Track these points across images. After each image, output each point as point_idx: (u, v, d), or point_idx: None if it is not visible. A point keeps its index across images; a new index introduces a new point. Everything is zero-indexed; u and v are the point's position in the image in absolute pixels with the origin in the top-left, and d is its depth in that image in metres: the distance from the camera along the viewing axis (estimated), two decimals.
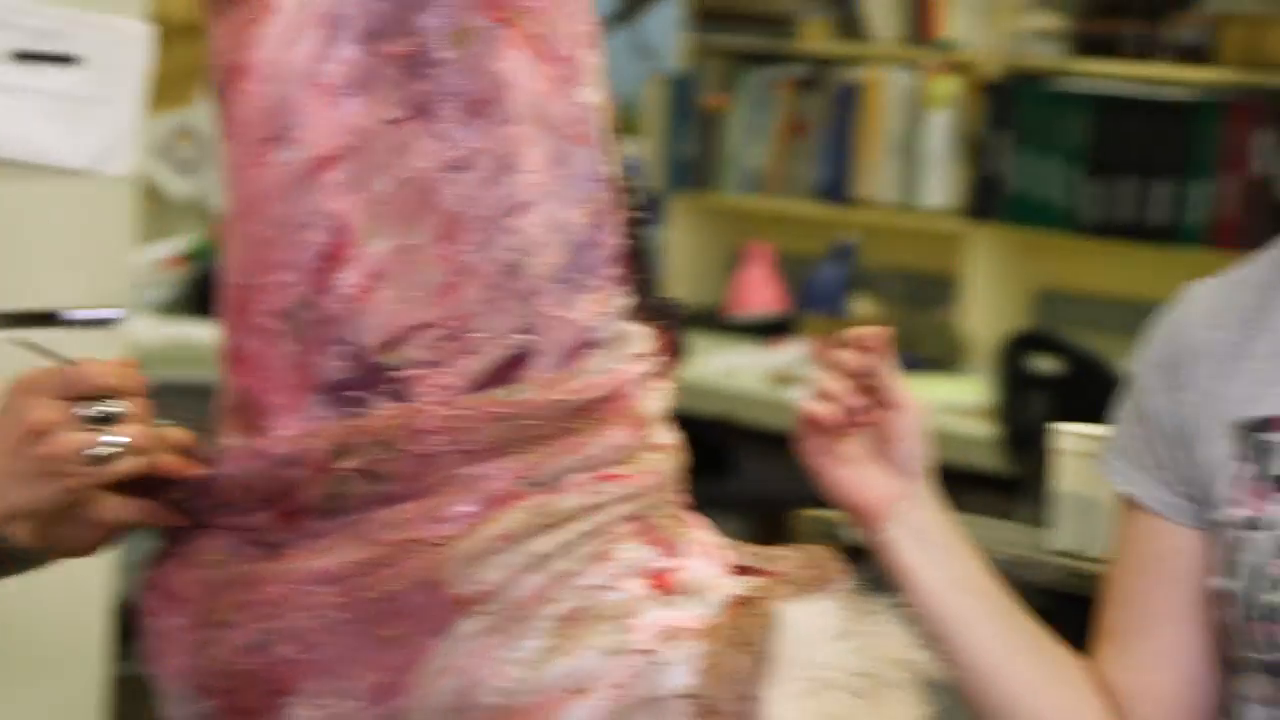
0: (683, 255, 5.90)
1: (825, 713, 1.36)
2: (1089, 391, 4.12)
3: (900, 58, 5.46)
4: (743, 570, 1.45)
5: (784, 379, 4.97)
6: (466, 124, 1.40)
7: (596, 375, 1.42)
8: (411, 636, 1.38)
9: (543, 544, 1.38)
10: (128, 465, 1.38)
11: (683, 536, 1.44)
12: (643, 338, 1.43)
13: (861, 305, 5.42)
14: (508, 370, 1.40)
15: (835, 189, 5.54)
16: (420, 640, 1.38)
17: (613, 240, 1.44)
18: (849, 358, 1.50)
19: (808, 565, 1.45)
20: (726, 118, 5.76)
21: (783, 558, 1.47)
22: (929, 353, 5.26)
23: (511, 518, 1.37)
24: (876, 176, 5.48)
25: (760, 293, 5.61)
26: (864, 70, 5.54)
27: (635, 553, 1.40)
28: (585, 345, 1.42)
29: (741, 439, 4.94)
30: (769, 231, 5.82)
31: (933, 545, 1.58)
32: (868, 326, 1.51)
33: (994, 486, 4.52)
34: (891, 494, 1.55)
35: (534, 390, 1.39)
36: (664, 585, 1.40)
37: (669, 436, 1.44)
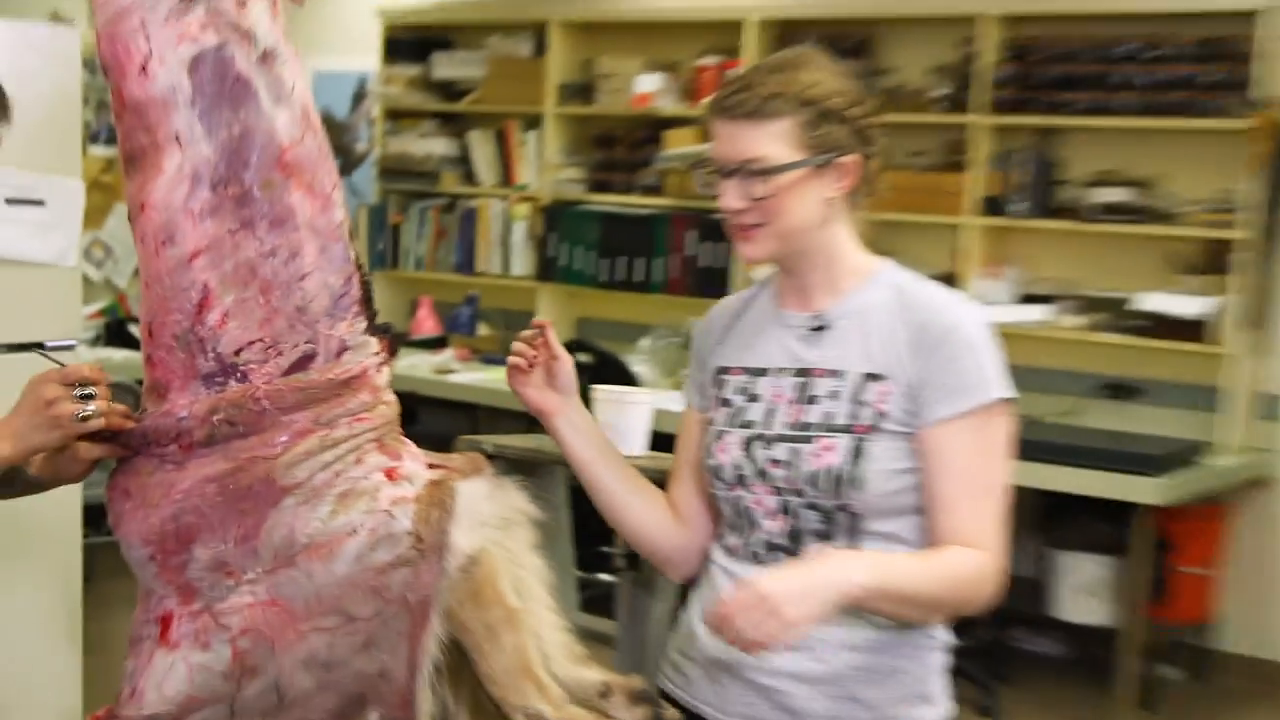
0: (382, 304, 6.97)
1: (483, 537, 1.88)
2: (606, 373, 5.29)
3: (497, 194, 6.85)
4: (434, 466, 1.96)
5: (441, 370, 6.33)
6: (272, 232, 1.89)
7: (350, 365, 1.92)
8: (258, 509, 1.85)
9: (327, 456, 1.87)
10: (98, 422, 1.88)
11: (403, 449, 1.95)
12: (373, 345, 1.95)
13: (483, 330, 6.84)
14: (302, 364, 1.90)
15: (466, 266, 6.94)
16: (264, 510, 1.86)
17: (356, 292, 1.94)
18: (529, 334, 2.11)
19: (470, 463, 1.98)
20: (403, 228, 7.17)
21: (455, 460, 1.99)
22: None
23: (308, 443, 1.87)
24: (488, 258, 6.88)
25: (427, 323, 6.97)
26: (477, 201, 6.90)
27: (377, 459, 1.91)
28: (343, 349, 1.92)
29: (420, 402, 5.79)
30: (430, 290, 7.14)
31: (582, 432, 2.17)
32: (539, 318, 2.15)
33: None
34: (558, 404, 2.15)
35: (316, 374, 1.90)
36: (393, 476, 1.90)
37: (391, 398, 1.97)
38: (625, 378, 5.41)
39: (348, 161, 7.71)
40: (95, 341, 6.39)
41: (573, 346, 5.39)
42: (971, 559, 2.00)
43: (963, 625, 5.09)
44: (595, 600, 4.91)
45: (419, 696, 1.88)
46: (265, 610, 1.88)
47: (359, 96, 7.66)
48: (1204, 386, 5.42)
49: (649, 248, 6.36)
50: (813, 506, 2.02)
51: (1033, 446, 4.77)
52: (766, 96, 2.02)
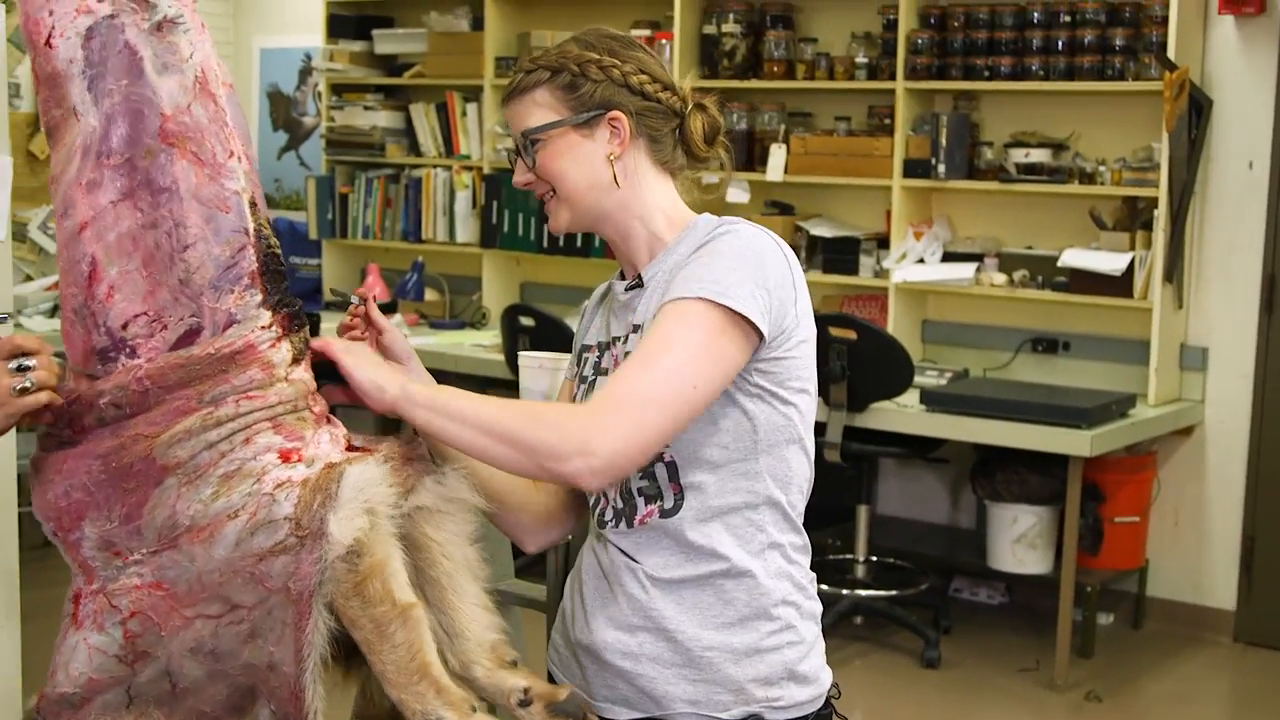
0: (331, 271, 7.40)
1: (357, 526, 1.79)
2: (548, 336, 5.51)
3: (441, 163, 6.99)
4: (354, 449, 1.91)
5: None
6: (153, 202, 1.87)
7: (234, 339, 1.87)
8: (141, 488, 1.83)
9: (210, 435, 1.83)
10: (40, 396, 1.87)
11: (308, 430, 1.88)
12: (264, 318, 1.89)
13: (430, 295, 7.02)
14: (188, 338, 1.87)
15: (413, 234, 7.08)
16: (146, 490, 1.84)
17: (249, 264, 1.89)
18: (352, 308, 2.12)
19: (402, 449, 1.90)
20: (351, 198, 7.28)
21: (385, 444, 1.92)
22: (468, 318, 6.94)
23: (189, 421, 1.84)
24: (433, 226, 7.01)
25: (376, 290, 7.00)
26: (422, 171, 7.02)
27: (269, 439, 1.85)
28: (230, 323, 1.87)
29: None
30: (379, 257, 7.33)
31: (423, 373, 2.13)
32: (360, 290, 2.33)
33: (503, 384, 5.87)
34: (407, 353, 2.14)
35: (199, 349, 1.86)
36: (289, 457, 1.85)
37: (300, 375, 1.89)
38: (567, 341, 5.44)
39: (295, 135, 7.82)
40: (53, 313, 6.41)
41: (515, 310, 5.81)
42: (564, 410, 1.96)
43: (905, 579, 5.45)
44: (531, 565, 5.26)
45: (307, 691, 1.82)
46: (151, 593, 1.85)
47: (305, 72, 7.79)
48: (1129, 340, 5.60)
49: None
50: None
51: (966, 401, 5.11)
52: (525, 73, 2.08)
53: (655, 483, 2.02)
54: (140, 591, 1.84)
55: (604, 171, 2.07)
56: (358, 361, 1.95)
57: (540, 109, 2.06)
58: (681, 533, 2.02)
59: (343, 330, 2.13)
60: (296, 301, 1.95)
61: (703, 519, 2.02)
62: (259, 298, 1.90)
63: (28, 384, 1.86)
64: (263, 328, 1.89)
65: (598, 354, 2.14)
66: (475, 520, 1.93)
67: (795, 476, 2.07)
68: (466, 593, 1.87)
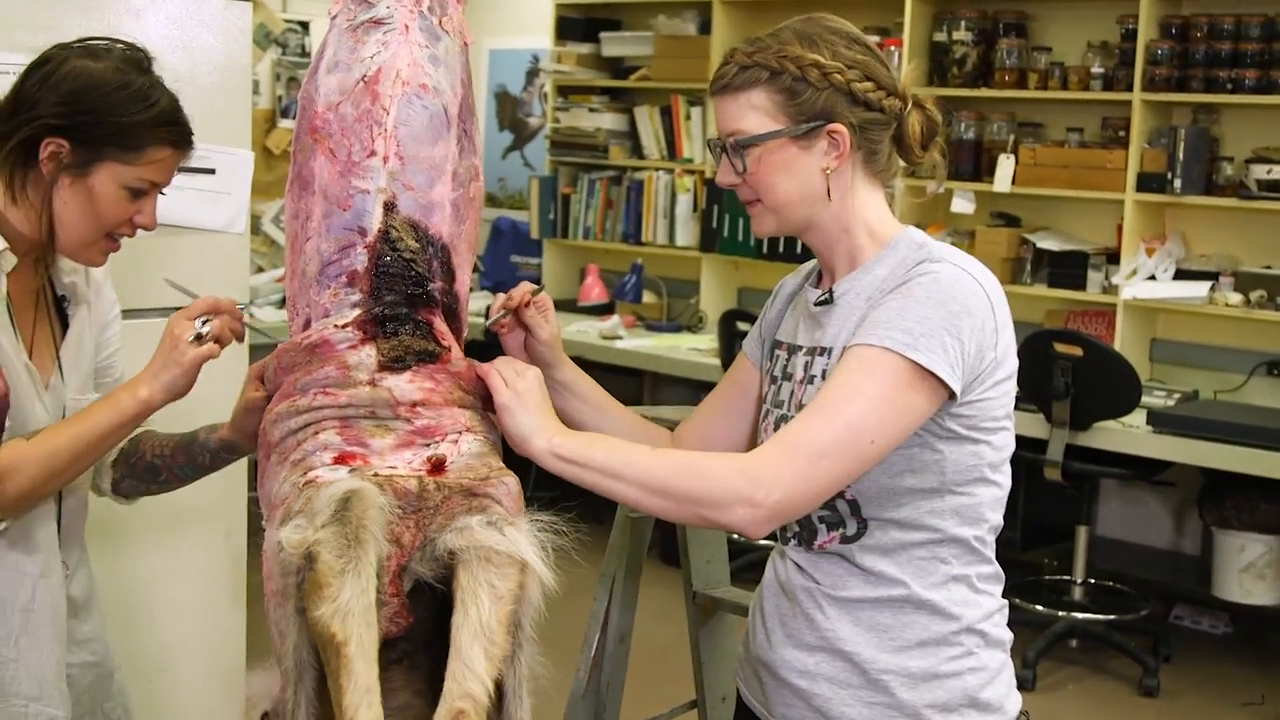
0: (552, 271, 7.42)
1: (299, 537, 1.72)
2: None
3: (663, 166, 7.03)
4: (437, 469, 1.82)
5: (608, 336, 6.54)
6: (300, 194, 1.98)
7: (313, 333, 1.91)
8: (264, 461, 1.95)
9: (292, 422, 1.88)
10: (210, 346, 2.05)
11: (382, 440, 1.84)
12: (348, 317, 1.88)
13: (648, 297, 7.07)
14: (306, 326, 1.94)
15: (633, 236, 7.12)
16: (264, 463, 1.96)
17: (354, 264, 1.89)
18: (506, 301, 2.12)
19: (473, 479, 1.82)
20: (573, 199, 7.35)
21: (464, 469, 1.84)
22: (685, 321, 6.94)
23: (282, 405, 1.91)
24: (653, 229, 7.05)
25: (594, 290, 7.20)
26: (644, 173, 7.07)
27: (329, 438, 1.84)
28: (324, 314, 1.91)
29: (586, 366, 5.28)
30: (598, 258, 7.39)
31: (575, 374, 2.20)
32: (525, 285, 2.12)
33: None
34: (549, 360, 2.14)
35: (299, 338, 1.93)
36: (341, 460, 1.82)
37: (392, 383, 1.85)
38: None
39: (521, 135, 7.90)
40: (281, 305, 6.34)
41: (733, 315, 5.84)
42: (724, 460, 1.88)
43: (1124, 603, 5.27)
44: (751, 566, 5.23)
45: (288, 692, 1.78)
46: (264, 560, 1.85)
47: (532, 73, 7.86)
48: None
49: None
50: None
51: (1196, 423, 4.96)
52: (740, 68, 1.96)
53: (837, 513, 1.97)
54: (264, 559, 1.85)
55: (818, 184, 1.97)
56: (511, 404, 1.90)
57: (755, 113, 1.95)
58: (862, 559, 1.97)
59: (494, 329, 2.12)
60: (403, 312, 1.90)
61: (885, 551, 1.96)
62: (356, 297, 1.89)
63: (202, 331, 2.02)
64: (338, 326, 1.88)
65: (785, 356, 2.07)
66: (518, 578, 1.78)
67: (986, 511, 1.99)
68: (461, 650, 1.72)
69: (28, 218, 2.17)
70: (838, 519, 1.97)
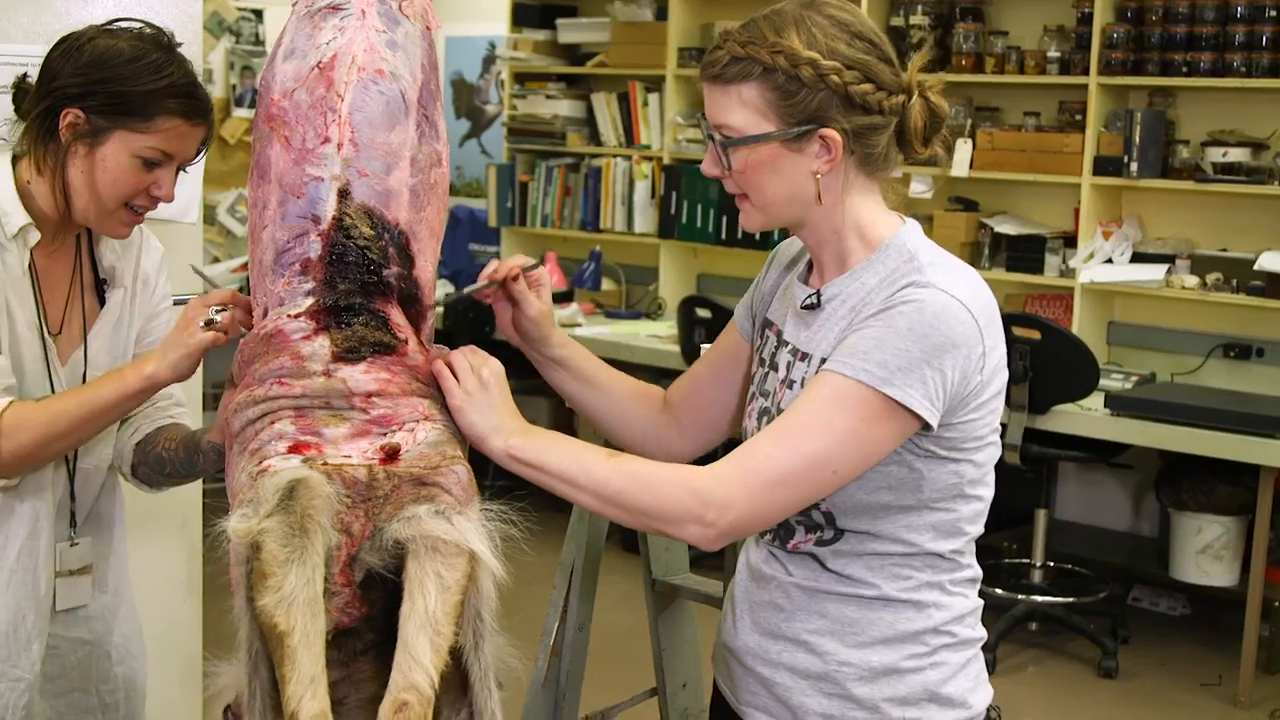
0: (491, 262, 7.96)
1: (244, 526, 1.70)
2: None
3: (621, 153, 7.03)
4: (388, 459, 1.79)
5: (567, 324, 6.51)
6: (258, 183, 1.96)
7: (268, 322, 1.89)
8: (229, 450, 1.92)
9: (249, 412, 1.85)
10: (219, 334, 2.09)
11: (336, 429, 1.81)
12: (301, 306, 1.86)
13: (607, 285, 7.07)
14: (264, 315, 1.92)
15: (591, 223, 7.14)
16: (229, 454, 1.94)
17: (307, 251, 1.87)
18: (494, 272, 2.08)
19: (423, 468, 1.79)
20: (531, 186, 7.34)
21: (424, 454, 1.81)
22: (644, 308, 6.98)
23: (241, 395, 1.89)
24: (611, 216, 7.07)
25: (553, 278, 6.71)
26: (602, 160, 7.09)
27: (284, 427, 1.82)
28: (279, 303, 1.89)
29: None
30: (556, 246, 7.30)
31: (567, 348, 2.16)
32: (518, 257, 2.09)
33: (678, 375, 6.49)
34: (537, 335, 2.12)
35: (256, 328, 1.91)
36: (295, 449, 1.80)
37: (346, 374, 1.83)
38: None
39: (478, 123, 7.92)
40: (240, 292, 6.64)
41: (692, 302, 5.83)
42: (679, 476, 1.83)
43: (1083, 586, 5.25)
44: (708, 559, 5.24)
45: (244, 684, 1.75)
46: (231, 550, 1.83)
47: (489, 60, 7.89)
48: None
49: None
50: None
51: (1153, 406, 5.00)
52: (733, 59, 1.87)
53: (812, 519, 1.94)
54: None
55: (807, 186, 1.89)
56: (464, 404, 1.87)
57: (745, 109, 1.86)
58: (834, 563, 1.95)
59: (478, 298, 2.08)
60: (357, 302, 1.87)
61: (858, 555, 1.93)
62: (309, 285, 1.87)
63: (213, 319, 2.06)
64: (291, 316, 1.86)
65: (775, 342, 2.02)
66: (466, 568, 1.74)
67: (964, 525, 1.96)
68: (407, 642, 1.69)
69: (51, 191, 2.25)
70: (813, 524, 1.94)
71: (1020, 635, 5.50)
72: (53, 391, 2.28)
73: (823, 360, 1.87)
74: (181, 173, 2.28)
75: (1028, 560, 5.66)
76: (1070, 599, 5.53)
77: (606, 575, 2.93)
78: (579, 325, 6.62)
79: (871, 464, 1.83)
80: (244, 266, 6.83)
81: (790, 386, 1.94)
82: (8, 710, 2.26)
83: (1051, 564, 5.71)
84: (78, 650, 2.42)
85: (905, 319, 1.80)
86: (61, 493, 2.36)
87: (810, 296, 1.95)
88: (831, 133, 1.86)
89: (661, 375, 6.21)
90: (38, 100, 2.24)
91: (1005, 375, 1.92)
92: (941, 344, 1.80)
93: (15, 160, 2.28)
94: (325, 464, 1.77)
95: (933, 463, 1.87)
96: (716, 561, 3.03)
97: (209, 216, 6.58)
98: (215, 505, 2.63)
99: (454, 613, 1.71)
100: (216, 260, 6.78)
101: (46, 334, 2.29)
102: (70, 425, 2.16)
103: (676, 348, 6.08)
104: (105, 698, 2.45)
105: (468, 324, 6.25)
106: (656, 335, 6.45)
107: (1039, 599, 5.50)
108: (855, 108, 1.86)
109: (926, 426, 1.83)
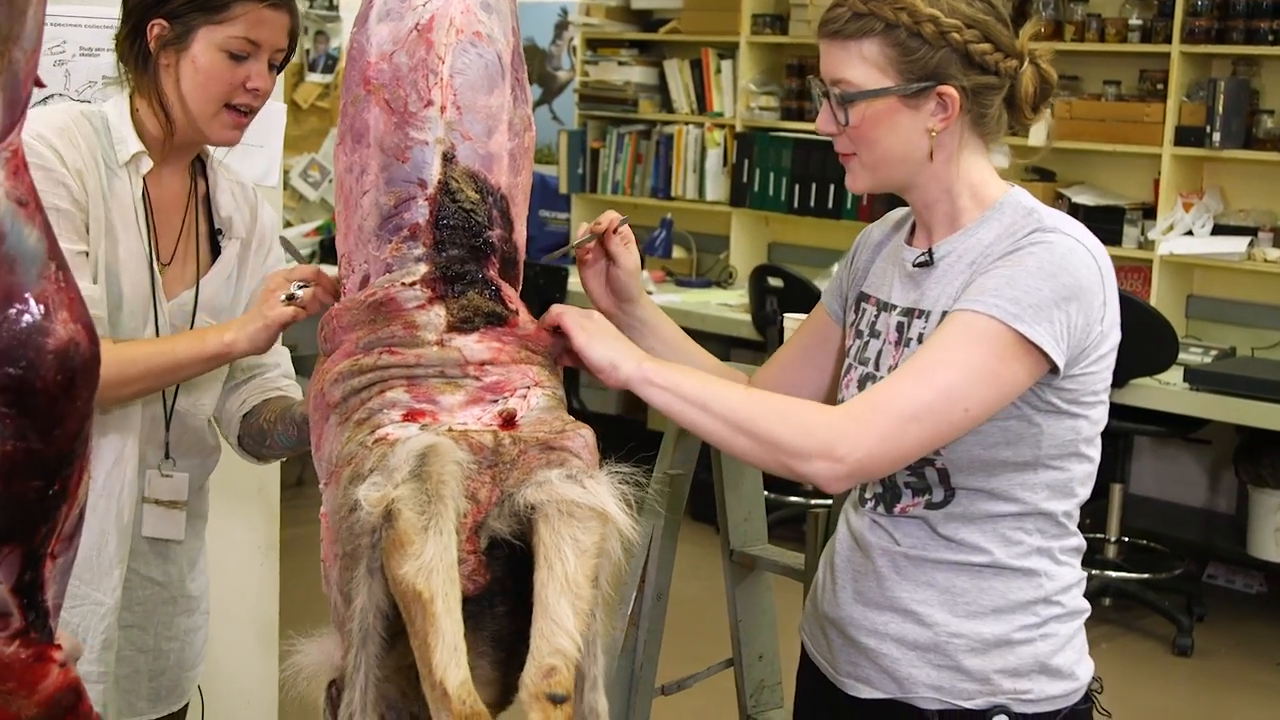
0: (580, 226, 7.90)
1: (378, 494, 1.66)
2: (796, 298, 5.60)
3: (693, 120, 7.07)
4: (508, 424, 1.78)
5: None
6: (354, 147, 1.92)
7: (377, 288, 1.85)
8: (319, 423, 1.91)
9: (355, 381, 1.84)
10: (297, 310, 2.08)
11: (451, 397, 1.80)
12: (415, 274, 1.83)
13: (677, 252, 7.09)
14: (365, 283, 1.89)
15: (662, 190, 7.18)
16: (320, 425, 1.91)
17: (415, 218, 1.84)
18: (594, 225, 2.09)
19: (549, 433, 1.77)
20: (602, 153, 7.41)
21: (539, 422, 1.80)
22: (714, 277, 7.03)
23: (343, 364, 1.85)
24: (682, 183, 7.10)
25: (614, 219, 7.33)
26: (674, 127, 7.12)
27: (397, 395, 1.80)
28: (385, 270, 1.86)
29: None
30: (627, 213, 7.08)
31: (655, 312, 2.14)
32: (609, 213, 2.09)
33: (749, 345, 6.23)
34: (631, 293, 2.09)
35: (361, 295, 1.87)
36: (410, 418, 1.78)
37: (461, 343, 1.81)
38: (814, 302, 5.45)
39: (549, 89, 7.88)
40: (311, 258, 6.63)
41: (764, 271, 5.85)
42: (814, 409, 1.84)
43: (1158, 562, 5.23)
44: (785, 522, 5.03)
45: (349, 656, 1.71)
46: (323, 522, 1.85)
47: (561, 26, 7.86)
48: None
49: (840, 174, 6.21)
50: None
51: (1232, 380, 4.94)
52: (854, 15, 1.88)
53: (924, 480, 1.93)
54: (322, 522, 1.84)
55: (921, 144, 1.91)
56: (591, 338, 1.86)
57: (864, 65, 1.88)
58: (945, 527, 1.94)
59: (579, 256, 2.08)
60: (470, 270, 1.86)
61: (970, 519, 1.93)
62: (419, 251, 1.85)
63: (295, 294, 2.07)
64: (404, 284, 1.84)
65: (874, 311, 2.02)
66: (601, 530, 1.72)
67: (1076, 485, 1.96)
68: (549, 607, 1.67)
69: (152, 109, 2.28)
70: (924, 485, 1.93)
71: (1094, 611, 5.35)
72: (156, 321, 2.30)
73: (943, 314, 1.88)
74: (273, 71, 2.29)
75: (1102, 535, 5.61)
76: (1145, 575, 5.49)
77: (681, 545, 2.90)
78: (649, 293, 6.47)
79: (1002, 405, 1.82)
80: (316, 231, 6.88)
81: (908, 345, 1.94)
82: (88, 633, 2.28)
83: (1126, 539, 5.66)
84: (147, 588, 2.43)
85: (1035, 259, 1.82)
86: (153, 427, 2.38)
87: (921, 255, 1.96)
88: (950, 90, 1.88)
89: (732, 344, 6.23)
90: (125, 23, 2.28)
91: (1119, 335, 1.92)
92: (1070, 285, 1.82)
93: (131, 97, 2.32)
94: (449, 430, 1.75)
95: (1051, 417, 1.88)
96: (793, 533, 3.01)
97: (283, 181, 6.58)
98: (287, 470, 2.63)
99: (592, 576, 1.69)
100: (288, 224, 6.78)
101: (156, 265, 2.31)
102: (142, 373, 2.17)
103: (747, 316, 6.06)
104: (162, 644, 2.46)
105: (537, 290, 6.25)
106: (727, 304, 6.42)
107: (1113, 574, 5.47)
108: (974, 66, 1.89)
109: (1053, 370, 1.83)
